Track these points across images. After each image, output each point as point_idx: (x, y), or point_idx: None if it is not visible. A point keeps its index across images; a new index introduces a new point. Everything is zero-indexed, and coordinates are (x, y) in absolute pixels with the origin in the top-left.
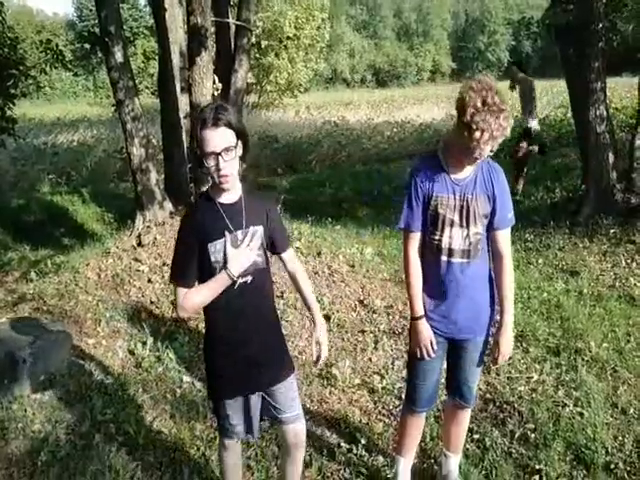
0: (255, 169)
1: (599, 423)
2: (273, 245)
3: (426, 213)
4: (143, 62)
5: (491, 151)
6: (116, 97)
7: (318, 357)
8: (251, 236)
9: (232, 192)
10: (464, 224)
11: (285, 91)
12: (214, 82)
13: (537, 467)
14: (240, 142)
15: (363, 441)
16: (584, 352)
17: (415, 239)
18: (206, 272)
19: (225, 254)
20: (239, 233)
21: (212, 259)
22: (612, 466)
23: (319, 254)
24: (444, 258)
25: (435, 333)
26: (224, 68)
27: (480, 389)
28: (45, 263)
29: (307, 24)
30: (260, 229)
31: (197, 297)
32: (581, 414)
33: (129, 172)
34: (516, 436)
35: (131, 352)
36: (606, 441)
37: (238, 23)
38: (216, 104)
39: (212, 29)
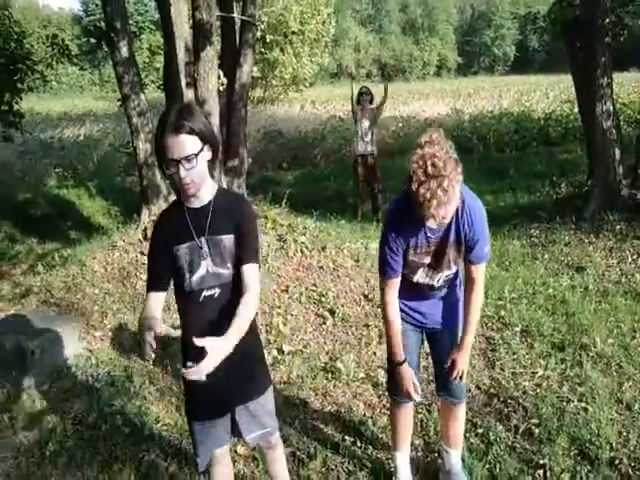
0: (260, 164)
1: (604, 419)
2: (236, 255)
3: (405, 258)
4: (148, 57)
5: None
6: (122, 92)
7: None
8: (213, 246)
9: (201, 196)
10: (438, 268)
11: (290, 86)
12: (219, 77)
13: (541, 462)
14: (207, 146)
15: (367, 435)
16: (589, 348)
17: (396, 284)
18: (176, 279)
19: (191, 258)
20: (202, 240)
21: (177, 264)
22: (616, 461)
23: (324, 248)
24: (421, 286)
25: (408, 322)
26: (229, 63)
27: (484, 384)
28: (52, 256)
29: (312, 19)
30: (227, 238)
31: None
32: (586, 409)
33: (135, 166)
34: (520, 431)
35: (137, 345)
36: (610, 437)
37: (243, 18)
38: (181, 106)
39: (217, 24)
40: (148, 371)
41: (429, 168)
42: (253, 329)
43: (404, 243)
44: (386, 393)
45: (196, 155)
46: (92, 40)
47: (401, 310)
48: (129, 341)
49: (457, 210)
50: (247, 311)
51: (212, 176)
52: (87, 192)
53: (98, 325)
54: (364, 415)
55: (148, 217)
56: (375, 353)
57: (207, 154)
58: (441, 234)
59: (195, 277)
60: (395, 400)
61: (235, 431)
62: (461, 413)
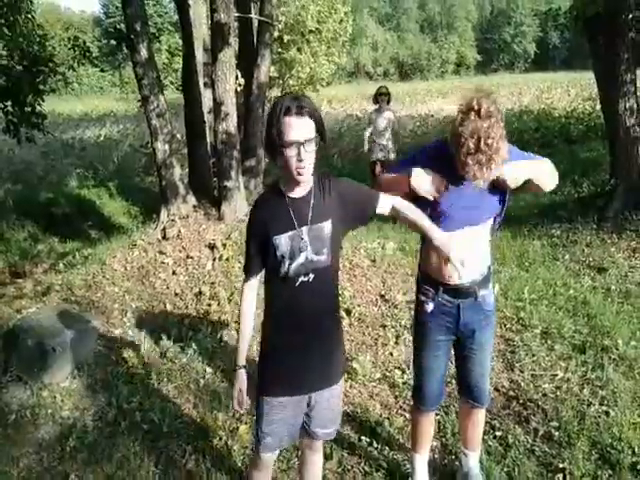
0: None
1: (625, 422)
2: (363, 214)
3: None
4: (167, 58)
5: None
6: (141, 93)
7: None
8: (314, 235)
9: (304, 185)
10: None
11: (307, 85)
12: (237, 77)
13: (561, 466)
14: (318, 137)
15: (383, 435)
16: (611, 350)
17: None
18: (272, 265)
19: (292, 248)
20: (304, 229)
21: (277, 253)
22: (639, 467)
23: (340, 248)
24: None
25: (440, 329)
26: (247, 63)
27: (503, 386)
28: (73, 255)
29: (329, 18)
30: (327, 224)
31: (241, 320)
32: (607, 413)
33: (154, 166)
34: (540, 434)
35: (156, 342)
36: (632, 441)
37: (260, 18)
38: (299, 94)
39: (235, 25)
40: (166, 369)
41: (482, 144)
42: (338, 311)
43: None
44: (403, 394)
45: (316, 139)
46: (112, 42)
47: (429, 313)
48: (148, 339)
49: None
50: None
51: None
52: (107, 192)
53: (118, 323)
54: (380, 416)
55: (167, 217)
56: (392, 354)
57: (318, 144)
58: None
59: (294, 265)
60: (419, 408)
61: (311, 420)
62: (481, 418)
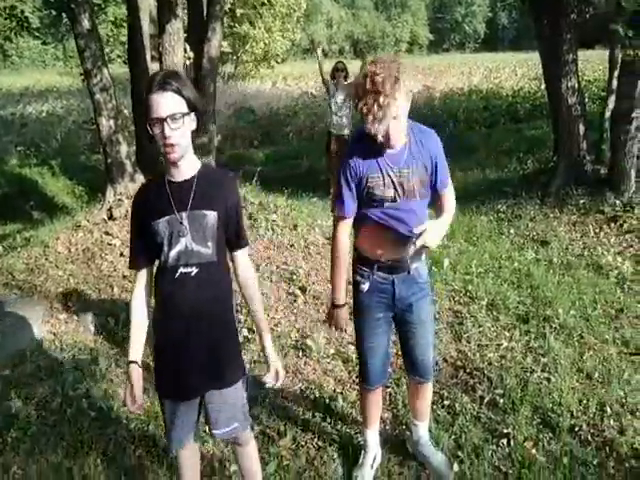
0: (231, 141)
1: (565, 388)
2: (226, 239)
3: (361, 194)
4: (112, 30)
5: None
6: (83, 66)
7: (277, 378)
8: (193, 222)
9: (184, 169)
10: (403, 196)
11: (262, 61)
12: (185, 50)
13: (505, 431)
14: (192, 113)
15: (337, 410)
16: (552, 319)
17: (348, 224)
18: (155, 253)
19: (170, 233)
20: (183, 214)
21: (157, 239)
22: (577, 429)
23: (295, 227)
24: (388, 231)
25: (377, 306)
26: (196, 37)
27: (452, 356)
28: (14, 237)
29: None
30: (211, 214)
31: (130, 312)
32: (548, 379)
33: (99, 144)
34: (485, 401)
35: (103, 327)
36: (571, 405)
37: None
38: (169, 70)
39: None
40: (114, 354)
41: (367, 84)
42: (229, 314)
43: (364, 172)
44: (356, 368)
45: (183, 115)
46: (53, 12)
47: (365, 292)
48: (94, 323)
49: (410, 136)
50: (260, 301)
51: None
52: (50, 171)
53: (62, 307)
54: (334, 391)
55: (113, 196)
56: (345, 330)
57: (193, 122)
58: (402, 162)
59: (173, 252)
60: (364, 386)
61: (207, 419)
62: (428, 391)
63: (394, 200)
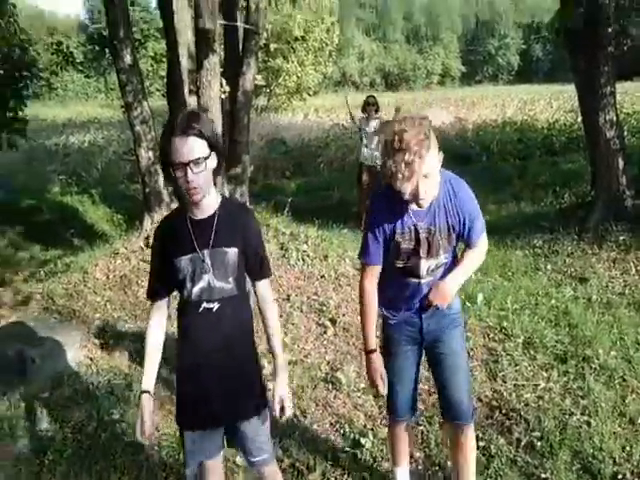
0: (264, 171)
1: (606, 432)
2: (247, 270)
3: (388, 246)
4: (152, 65)
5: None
6: (125, 99)
7: (282, 409)
8: (215, 259)
9: (205, 207)
10: (428, 255)
11: (294, 94)
12: (221, 85)
13: (543, 476)
14: (214, 153)
15: (367, 446)
16: (592, 360)
17: (374, 271)
18: (177, 287)
19: (193, 271)
20: (205, 252)
21: (179, 275)
22: (619, 476)
23: (325, 257)
24: (413, 280)
25: (405, 339)
26: (232, 71)
27: (486, 396)
28: (55, 263)
29: (316, 27)
30: (232, 251)
31: (146, 341)
32: (588, 423)
33: (138, 174)
34: (522, 444)
35: (137, 353)
36: (614, 451)
37: (246, 26)
38: (189, 111)
39: (220, 32)
40: None
41: (396, 142)
42: (251, 344)
43: (389, 228)
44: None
45: (205, 159)
46: (96, 48)
47: (393, 325)
48: (130, 349)
49: (440, 192)
50: (279, 331)
51: (215, 185)
52: (90, 199)
53: (99, 333)
54: (364, 427)
55: (150, 224)
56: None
57: (213, 161)
58: (428, 219)
59: (196, 288)
60: (392, 419)
61: (233, 443)
62: (467, 442)
63: (418, 254)
